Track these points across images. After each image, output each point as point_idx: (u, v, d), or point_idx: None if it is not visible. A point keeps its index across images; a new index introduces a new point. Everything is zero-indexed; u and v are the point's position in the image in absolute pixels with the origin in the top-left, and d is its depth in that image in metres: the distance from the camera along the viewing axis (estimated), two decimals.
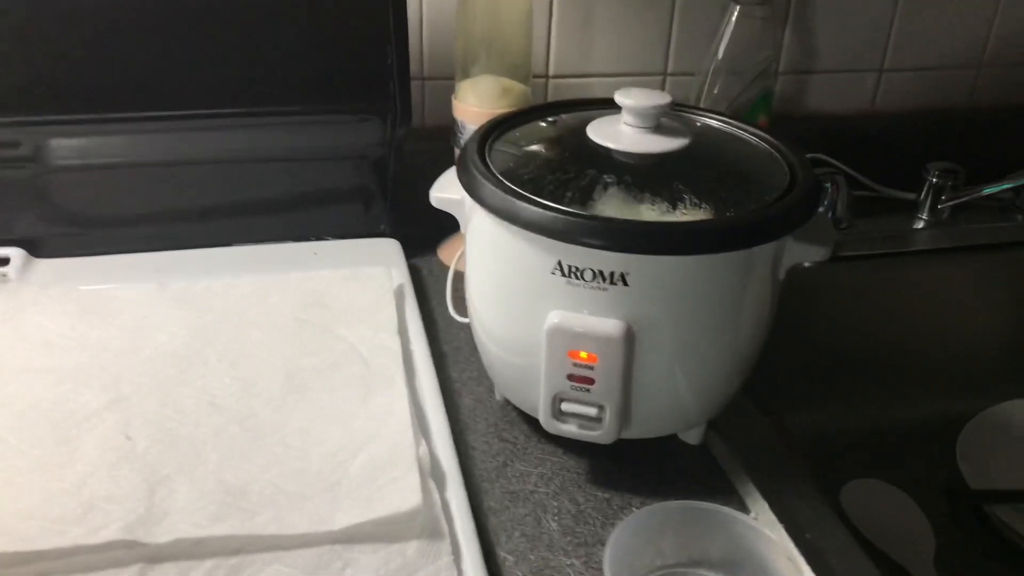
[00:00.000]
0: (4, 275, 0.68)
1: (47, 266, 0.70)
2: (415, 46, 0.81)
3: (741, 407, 0.62)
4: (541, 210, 0.48)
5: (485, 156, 0.54)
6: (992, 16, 0.92)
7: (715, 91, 0.74)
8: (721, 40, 0.73)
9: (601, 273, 0.48)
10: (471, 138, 0.56)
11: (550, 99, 0.86)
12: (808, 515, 0.53)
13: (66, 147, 0.71)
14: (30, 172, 0.71)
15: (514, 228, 0.50)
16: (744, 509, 0.55)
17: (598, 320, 0.49)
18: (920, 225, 0.84)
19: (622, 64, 0.86)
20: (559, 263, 0.49)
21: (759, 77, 0.73)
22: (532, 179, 0.52)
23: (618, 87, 0.88)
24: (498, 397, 0.62)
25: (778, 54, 0.75)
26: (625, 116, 0.55)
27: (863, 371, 0.84)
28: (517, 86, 0.73)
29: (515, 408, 0.60)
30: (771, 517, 0.53)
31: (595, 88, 0.86)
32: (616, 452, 0.57)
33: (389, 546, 0.46)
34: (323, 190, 0.76)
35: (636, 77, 0.87)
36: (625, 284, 0.48)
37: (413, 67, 0.82)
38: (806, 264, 0.81)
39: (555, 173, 0.53)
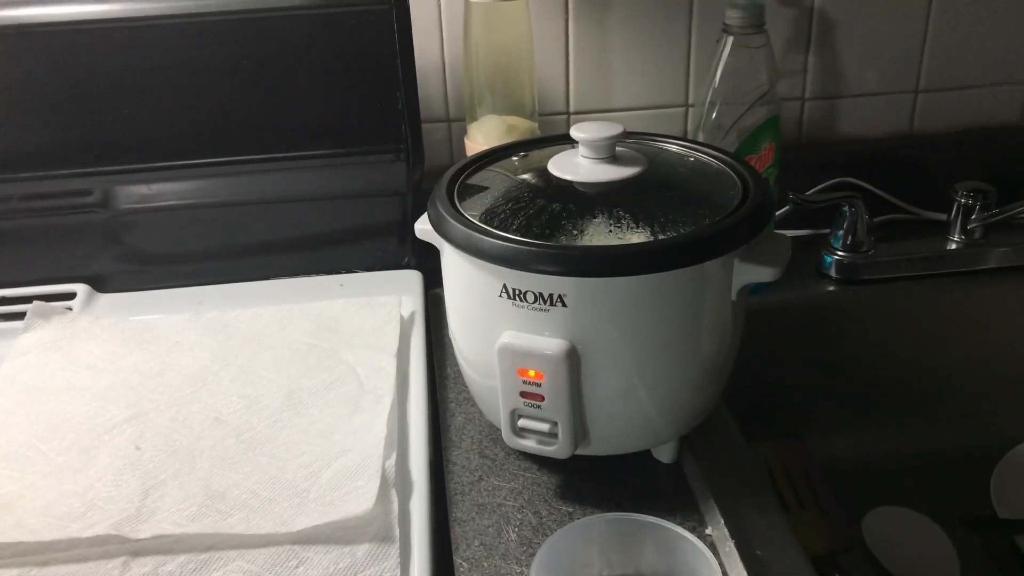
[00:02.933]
0: (69, 308, 0.77)
1: (107, 300, 0.79)
2: (439, 91, 0.87)
3: (723, 427, 0.63)
4: (485, 237, 0.52)
5: (453, 193, 0.59)
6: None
7: (713, 118, 0.75)
8: (717, 69, 0.75)
9: (541, 295, 0.51)
10: (443, 176, 0.61)
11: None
12: (763, 534, 0.53)
13: (128, 193, 0.80)
14: (100, 217, 0.81)
15: (467, 256, 0.53)
16: (703, 526, 0.56)
17: (541, 339, 0.52)
18: (951, 247, 0.82)
19: (642, 98, 0.89)
20: (504, 286, 0.52)
21: (760, 103, 0.74)
22: (492, 211, 0.56)
23: (640, 121, 0.91)
24: (485, 416, 0.65)
25: (776, 79, 0.76)
26: (581, 149, 0.58)
27: (891, 396, 0.82)
28: (523, 123, 0.77)
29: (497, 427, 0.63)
30: (724, 533, 0.53)
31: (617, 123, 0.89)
32: (588, 468, 0.60)
33: (342, 548, 0.51)
34: (352, 227, 0.83)
35: (657, 110, 0.89)
36: (564, 305, 0.51)
37: (439, 110, 0.88)
38: (830, 288, 0.82)
39: (513, 204, 0.56)
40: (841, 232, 0.81)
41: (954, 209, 0.82)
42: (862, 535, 0.75)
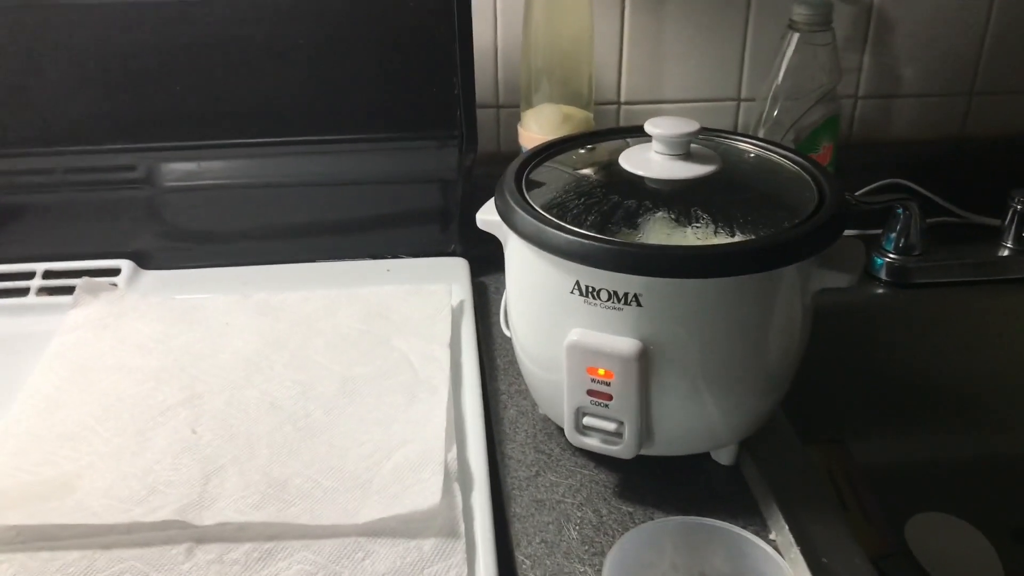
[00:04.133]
0: (115, 284, 0.76)
1: (152, 277, 0.79)
2: (491, 76, 0.86)
3: (780, 430, 0.62)
4: (560, 233, 0.51)
5: (521, 183, 0.58)
6: None
7: (774, 115, 0.74)
8: (781, 66, 0.74)
9: (615, 293, 0.51)
10: (511, 165, 0.60)
11: (622, 125, 0.89)
12: (827, 540, 0.53)
13: (174, 170, 0.79)
14: (144, 193, 0.80)
15: (537, 250, 0.53)
16: (766, 530, 0.55)
17: (613, 338, 0.52)
18: (1004, 253, 0.81)
19: (694, 90, 0.88)
20: (577, 283, 0.52)
21: (821, 102, 0.74)
22: (563, 205, 0.55)
23: (691, 113, 0.90)
24: (540, 410, 0.65)
25: (838, 79, 0.75)
26: (655, 144, 0.57)
27: (937, 402, 0.82)
28: (578, 113, 0.76)
29: (554, 421, 0.63)
30: (789, 539, 0.53)
31: (667, 114, 0.88)
32: (647, 468, 0.59)
33: (408, 541, 0.50)
34: (399, 211, 0.82)
35: (709, 103, 0.88)
36: (639, 304, 0.51)
37: (489, 96, 0.87)
38: (879, 291, 0.81)
39: (585, 199, 0.55)
40: (894, 235, 0.80)
41: (1008, 215, 0.81)
42: (905, 541, 0.75)
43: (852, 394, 0.82)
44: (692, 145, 0.57)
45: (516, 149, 0.79)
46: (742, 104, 0.88)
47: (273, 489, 0.53)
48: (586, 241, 0.50)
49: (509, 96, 0.86)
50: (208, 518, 0.51)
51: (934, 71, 0.89)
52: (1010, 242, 0.81)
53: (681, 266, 0.49)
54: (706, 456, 0.60)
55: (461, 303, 0.74)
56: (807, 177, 0.57)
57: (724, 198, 0.55)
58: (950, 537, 0.75)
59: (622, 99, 0.88)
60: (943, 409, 0.82)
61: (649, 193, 0.55)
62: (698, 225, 0.52)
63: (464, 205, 0.81)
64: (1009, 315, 0.81)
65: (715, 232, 0.52)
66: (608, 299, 0.51)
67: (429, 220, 0.82)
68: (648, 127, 0.57)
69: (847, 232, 0.54)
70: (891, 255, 0.81)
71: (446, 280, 0.76)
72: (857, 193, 0.84)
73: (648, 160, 0.57)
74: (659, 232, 0.52)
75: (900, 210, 0.80)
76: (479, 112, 0.85)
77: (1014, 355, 0.81)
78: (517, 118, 0.80)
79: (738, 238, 0.51)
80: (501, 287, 0.81)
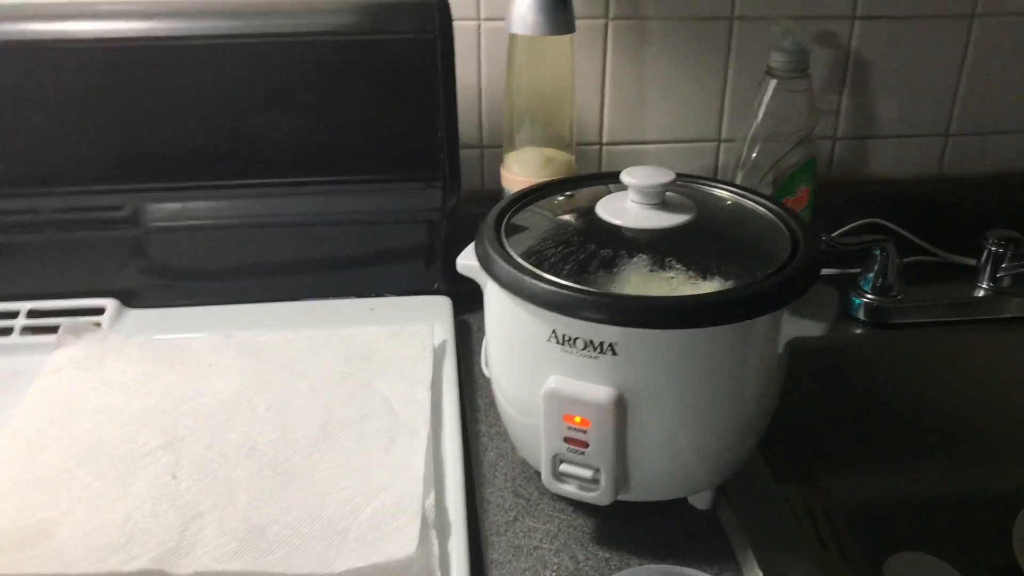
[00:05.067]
0: (99, 324, 0.77)
1: (137, 316, 0.79)
2: (475, 117, 0.87)
3: (757, 473, 0.63)
4: (536, 282, 0.52)
5: (500, 230, 0.59)
6: None
7: (753, 157, 0.75)
8: (759, 110, 0.75)
9: (591, 342, 0.51)
10: (491, 212, 0.61)
11: (604, 166, 0.90)
12: None
13: (159, 210, 0.80)
14: (130, 233, 0.80)
15: (515, 297, 0.53)
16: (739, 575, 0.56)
17: (589, 386, 0.52)
18: (979, 293, 0.82)
19: (676, 131, 0.89)
20: (554, 331, 0.52)
21: (799, 145, 0.75)
22: (541, 253, 0.56)
23: (672, 153, 0.91)
24: (519, 454, 0.65)
25: (815, 123, 0.76)
26: (631, 194, 0.58)
27: (916, 441, 0.83)
28: (560, 155, 0.77)
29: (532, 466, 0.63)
30: None
31: (649, 155, 0.89)
32: (624, 513, 0.60)
33: None
34: (383, 251, 0.82)
35: (690, 143, 0.90)
36: (614, 354, 0.51)
37: (473, 137, 0.88)
38: (857, 331, 0.82)
39: (563, 247, 0.56)
40: (871, 275, 0.81)
41: (984, 256, 0.82)
42: None
43: (831, 433, 0.83)
44: (668, 194, 0.58)
45: (499, 189, 0.80)
46: (722, 145, 0.89)
47: (251, 536, 0.53)
48: (562, 291, 0.51)
49: (493, 137, 0.87)
50: (185, 566, 0.51)
51: (911, 112, 0.90)
52: (985, 282, 0.82)
53: (655, 317, 0.50)
54: (683, 501, 0.61)
55: (443, 343, 0.75)
56: (781, 225, 0.58)
57: (699, 247, 0.56)
58: None
59: (604, 140, 0.89)
60: (922, 448, 0.83)
61: (625, 242, 0.56)
62: (672, 275, 0.53)
63: (447, 244, 0.81)
64: (985, 355, 0.82)
65: (689, 281, 0.52)
66: (584, 348, 0.52)
67: (413, 259, 0.83)
68: (624, 177, 0.58)
69: (825, 272, 0.55)
70: (869, 295, 0.82)
71: (429, 319, 0.77)
72: (835, 233, 0.85)
73: (624, 209, 0.58)
74: (634, 281, 0.53)
75: (878, 251, 0.81)
76: (463, 152, 0.86)
77: (992, 394, 0.82)
78: (500, 159, 0.81)
79: (712, 287, 0.52)
80: (483, 326, 0.82)
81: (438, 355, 0.73)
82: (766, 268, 0.53)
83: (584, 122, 0.88)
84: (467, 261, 0.61)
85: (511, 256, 0.55)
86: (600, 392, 0.52)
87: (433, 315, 0.78)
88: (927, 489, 0.82)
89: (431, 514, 0.56)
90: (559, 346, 0.52)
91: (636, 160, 0.89)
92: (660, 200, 0.58)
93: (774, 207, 0.60)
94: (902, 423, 0.83)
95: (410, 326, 0.75)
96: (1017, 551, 0.74)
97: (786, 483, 0.79)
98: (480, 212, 0.79)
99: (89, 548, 0.52)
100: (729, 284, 0.52)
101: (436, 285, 0.83)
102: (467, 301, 0.82)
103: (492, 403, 0.71)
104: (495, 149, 0.87)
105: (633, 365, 0.52)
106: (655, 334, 0.51)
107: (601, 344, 0.51)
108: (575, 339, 0.52)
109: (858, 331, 0.82)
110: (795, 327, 0.54)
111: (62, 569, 0.51)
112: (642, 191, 0.57)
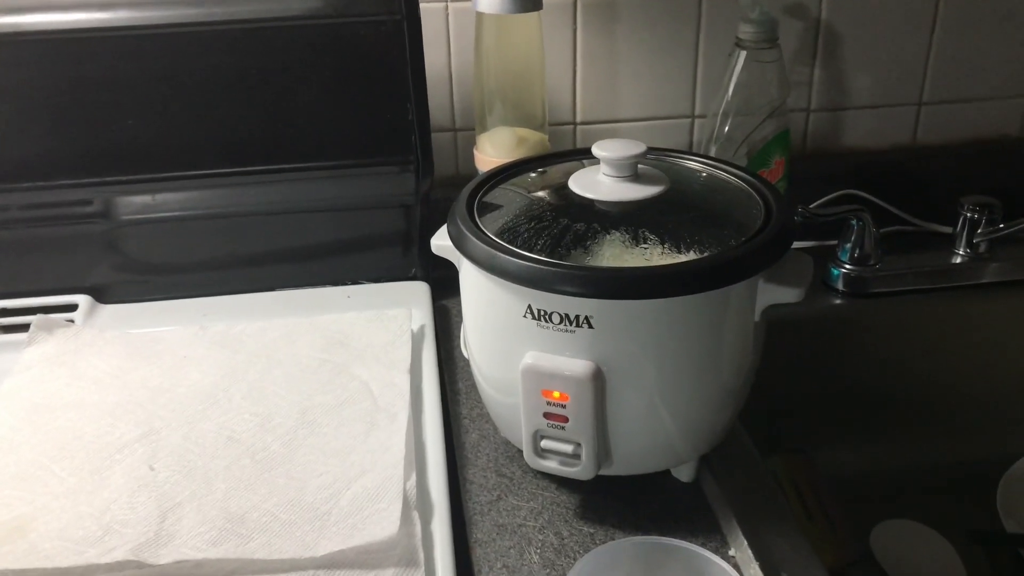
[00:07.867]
0: (72, 320, 0.76)
1: (110, 311, 0.78)
2: (446, 100, 0.86)
3: (740, 444, 0.63)
4: (510, 258, 0.52)
5: (472, 208, 0.58)
6: None
7: (726, 131, 0.75)
8: (730, 83, 0.75)
9: (567, 316, 0.51)
10: (463, 191, 0.60)
11: (579, 146, 0.89)
12: (786, 554, 0.53)
13: (129, 204, 0.79)
14: (100, 227, 0.79)
15: (489, 274, 0.53)
16: (726, 547, 0.56)
17: (567, 360, 0.52)
18: (956, 260, 0.83)
19: (649, 108, 0.89)
20: (529, 307, 0.52)
21: (771, 117, 0.74)
22: (514, 229, 0.55)
23: (646, 131, 0.91)
24: (501, 433, 0.65)
25: (787, 94, 0.76)
26: (603, 167, 0.58)
27: (898, 410, 0.83)
28: (533, 135, 0.77)
29: (515, 444, 0.63)
30: (748, 555, 0.53)
31: (623, 133, 0.89)
32: (607, 488, 0.59)
33: (366, 572, 0.50)
34: (358, 237, 0.82)
35: (664, 120, 0.89)
36: (590, 327, 0.51)
37: (445, 120, 0.87)
38: (837, 301, 0.82)
39: (535, 223, 0.56)
40: (849, 245, 0.81)
41: (960, 223, 0.82)
42: (870, 548, 0.75)
43: (814, 404, 0.83)
44: (640, 166, 0.58)
45: (474, 172, 0.80)
46: (696, 121, 0.89)
47: (231, 524, 0.53)
48: (535, 265, 0.51)
49: (465, 119, 0.87)
50: (164, 556, 0.51)
51: (883, 82, 0.90)
52: (962, 249, 0.83)
53: (629, 287, 0.50)
54: (667, 474, 0.60)
55: (422, 327, 0.74)
56: (754, 194, 0.58)
57: (672, 218, 0.55)
58: (914, 543, 0.76)
59: (578, 119, 0.88)
60: (904, 415, 0.83)
61: (598, 215, 0.56)
62: (646, 246, 0.53)
63: (423, 229, 0.81)
64: (964, 321, 0.82)
65: (663, 252, 0.52)
66: (560, 322, 0.51)
67: (389, 245, 0.82)
68: (595, 150, 0.57)
69: (801, 244, 0.54)
70: (847, 266, 0.82)
71: (407, 305, 0.76)
72: (812, 205, 0.85)
73: (597, 182, 0.58)
74: (608, 254, 0.52)
75: (854, 221, 0.81)
76: (436, 136, 0.86)
77: (971, 361, 0.82)
78: (473, 141, 0.81)
79: (686, 257, 0.52)
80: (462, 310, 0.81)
81: (416, 340, 0.72)
82: (740, 236, 0.53)
83: (557, 102, 0.87)
84: (441, 242, 0.61)
85: (483, 233, 0.55)
86: (578, 366, 0.52)
87: (411, 300, 0.78)
88: (910, 457, 0.82)
89: (413, 495, 0.55)
90: (535, 322, 0.52)
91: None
92: (633, 172, 0.57)
93: (746, 176, 0.60)
94: (884, 392, 0.83)
95: (387, 311, 0.74)
96: (1001, 512, 0.75)
97: (770, 456, 0.79)
98: (455, 196, 0.79)
99: (66, 542, 0.52)
100: (704, 254, 0.52)
101: (413, 271, 0.83)
102: (446, 287, 0.82)
103: (473, 386, 0.70)
104: (468, 132, 0.86)
105: (610, 337, 0.51)
106: (631, 305, 0.50)
107: (577, 317, 0.51)
108: (551, 314, 0.51)
109: (837, 301, 0.82)
110: (771, 294, 0.54)
111: (38, 564, 0.50)
112: (614, 164, 0.57)
